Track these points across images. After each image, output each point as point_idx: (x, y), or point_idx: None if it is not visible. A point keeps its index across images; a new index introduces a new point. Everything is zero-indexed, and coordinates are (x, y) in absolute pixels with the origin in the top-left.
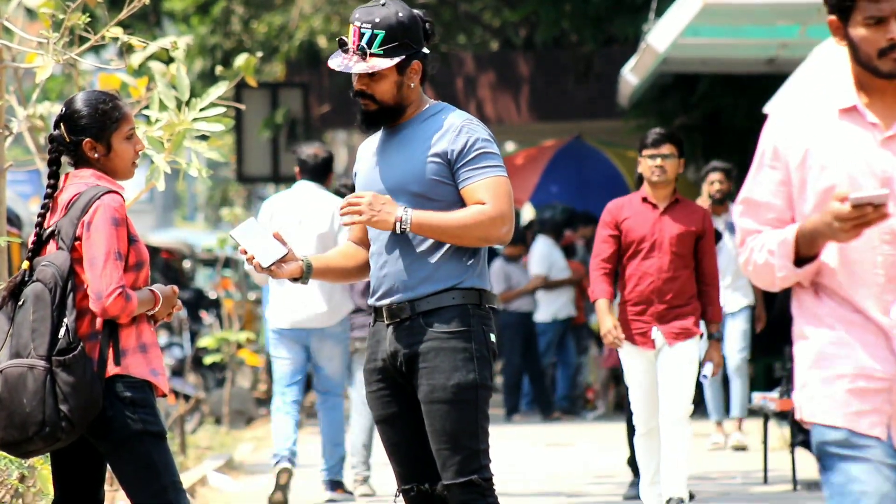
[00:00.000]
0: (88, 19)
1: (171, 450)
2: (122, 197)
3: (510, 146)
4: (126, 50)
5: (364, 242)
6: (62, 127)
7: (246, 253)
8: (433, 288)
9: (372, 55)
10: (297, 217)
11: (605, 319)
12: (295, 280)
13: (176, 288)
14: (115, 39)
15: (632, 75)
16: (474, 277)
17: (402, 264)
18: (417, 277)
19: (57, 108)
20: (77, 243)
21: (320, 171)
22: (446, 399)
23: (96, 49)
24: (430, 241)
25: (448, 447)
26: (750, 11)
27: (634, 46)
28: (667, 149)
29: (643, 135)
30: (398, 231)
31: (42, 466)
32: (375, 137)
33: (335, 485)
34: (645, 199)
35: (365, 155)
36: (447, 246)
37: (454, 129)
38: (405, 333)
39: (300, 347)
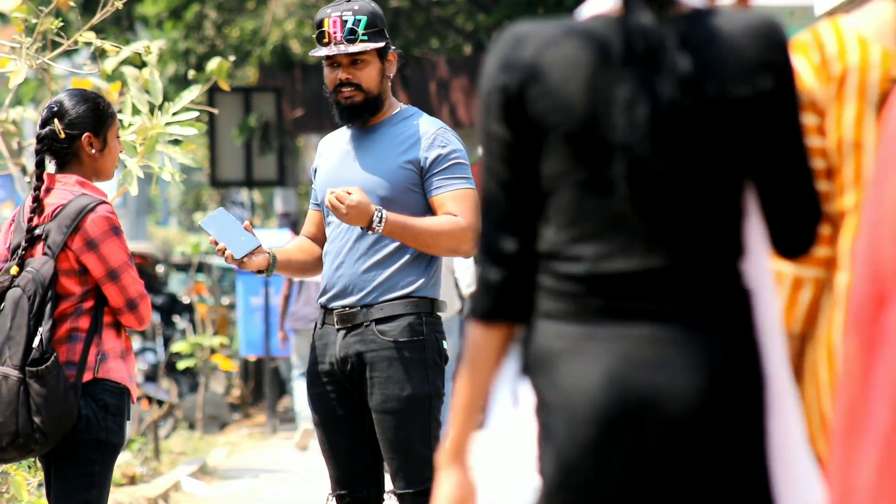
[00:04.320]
0: (61, 24)
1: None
2: (111, 205)
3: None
4: (99, 54)
5: (318, 238)
6: (55, 123)
7: (217, 243)
8: (388, 295)
9: (361, 40)
10: None
11: None
12: (260, 272)
13: None
14: (88, 44)
15: None
16: (429, 287)
17: (359, 268)
18: (373, 283)
19: (30, 113)
20: (66, 252)
21: None
22: (400, 409)
23: (69, 54)
24: (390, 248)
25: (401, 456)
26: None
27: None
28: None
29: None
30: (370, 231)
31: (16, 472)
32: (340, 134)
33: None
34: None
35: (328, 151)
36: (408, 254)
37: (428, 136)
38: (357, 340)
39: None
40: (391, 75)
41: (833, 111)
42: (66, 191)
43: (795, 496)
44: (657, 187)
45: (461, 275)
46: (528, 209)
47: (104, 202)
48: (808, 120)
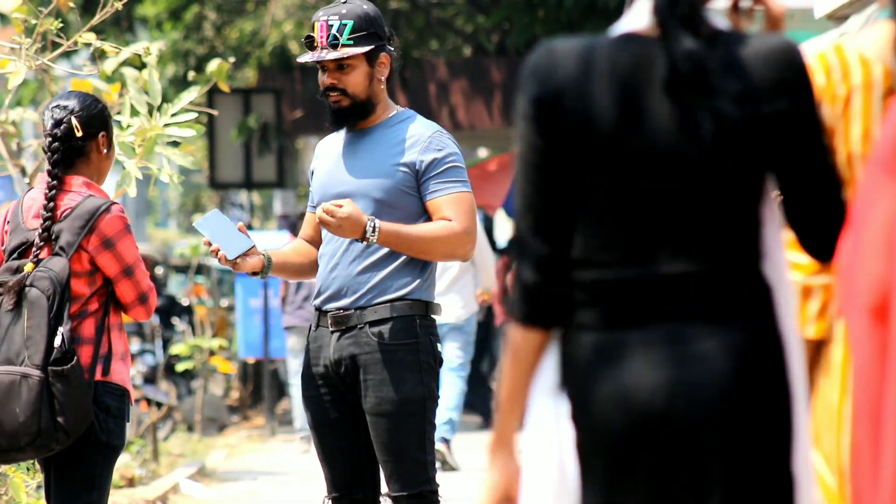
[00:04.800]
0: (61, 25)
1: (143, 457)
2: (120, 204)
3: (483, 152)
4: (98, 55)
5: (315, 241)
6: (73, 121)
7: (210, 245)
8: (382, 297)
9: (343, 45)
10: None
11: None
12: (255, 274)
13: None
14: (88, 45)
15: None
16: (423, 289)
17: (353, 270)
18: (367, 285)
19: (30, 114)
20: (80, 252)
21: None
22: (394, 412)
23: (69, 55)
24: (385, 250)
25: (395, 459)
26: (723, 16)
27: None
28: None
29: None
30: (365, 241)
31: (14, 474)
32: (337, 137)
33: (442, 441)
34: None
35: (325, 153)
36: (402, 256)
37: (424, 139)
38: (351, 342)
39: None
40: (382, 78)
41: (841, 129)
42: (74, 192)
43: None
44: (689, 197)
45: (482, 272)
46: (562, 216)
47: (115, 202)
48: None
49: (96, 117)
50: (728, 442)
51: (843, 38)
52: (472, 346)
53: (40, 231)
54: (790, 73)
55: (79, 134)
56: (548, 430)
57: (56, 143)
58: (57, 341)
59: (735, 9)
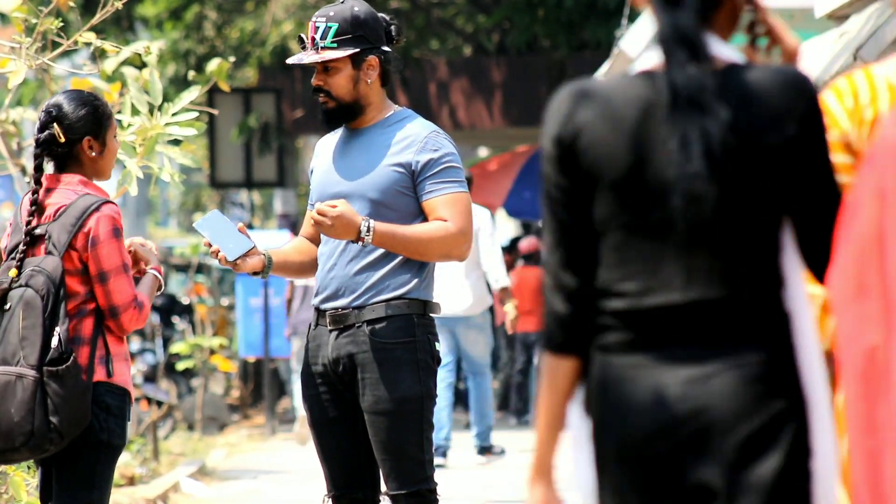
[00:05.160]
0: (61, 24)
1: (140, 456)
2: (116, 205)
3: (483, 152)
4: (99, 55)
5: (316, 239)
6: (55, 128)
7: (210, 246)
8: (380, 296)
9: (324, 48)
10: None
11: None
12: (256, 274)
13: (138, 240)
14: (88, 44)
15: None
16: (421, 288)
17: (351, 269)
18: (365, 284)
19: (30, 114)
20: (70, 251)
21: None
22: (392, 410)
23: (69, 54)
24: (382, 250)
25: (393, 458)
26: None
27: (607, 52)
28: None
29: None
30: (360, 242)
31: (14, 473)
32: (336, 136)
33: (484, 450)
34: None
35: (323, 152)
36: (399, 256)
37: (420, 140)
38: (349, 341)
39: (449, 334)
40: (369, 81)
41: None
42: (69, 191)
43: None
44: (699, 226)
45: (489, 269)
46: (587, 249)
47: (109, 202)
48: (844, 159)
49: (80, 122)
50: (737, 467)
51: (872, 66)
52: (492, 338)
53: (24, 236)
54: (799, 102)
55: (61, 140)
56: (585, 451)
57: (38, 150)
58: (54, 341)
59: (752, 44)
